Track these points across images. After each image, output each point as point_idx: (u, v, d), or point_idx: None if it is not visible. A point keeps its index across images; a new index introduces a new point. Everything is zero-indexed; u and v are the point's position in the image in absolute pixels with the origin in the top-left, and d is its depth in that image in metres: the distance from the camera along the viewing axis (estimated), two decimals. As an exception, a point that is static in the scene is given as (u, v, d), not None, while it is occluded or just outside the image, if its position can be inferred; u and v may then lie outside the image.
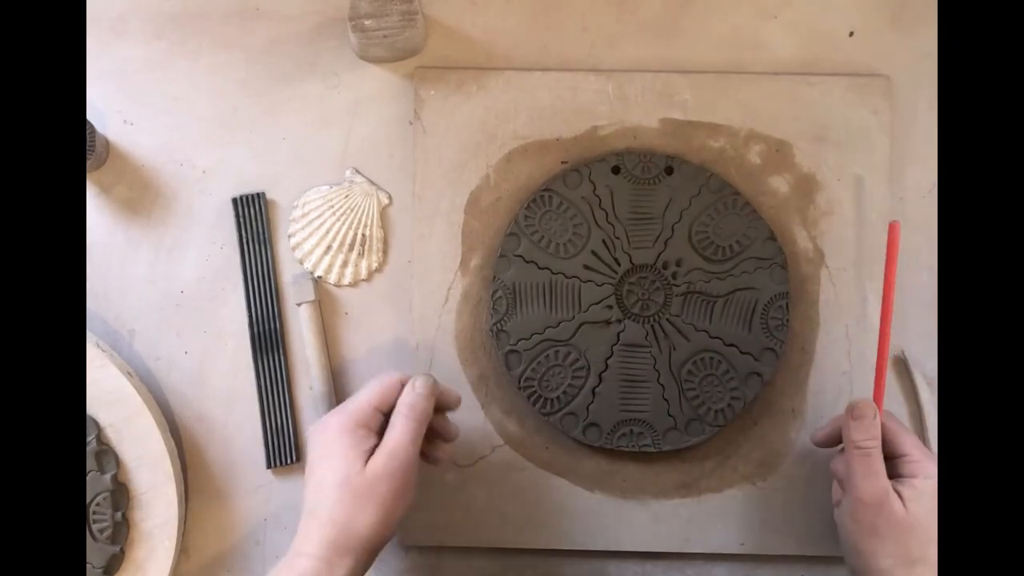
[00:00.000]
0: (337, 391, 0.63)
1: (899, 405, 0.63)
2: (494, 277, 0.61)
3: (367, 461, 0.53)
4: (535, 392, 0.61)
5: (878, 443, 0.54)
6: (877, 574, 0.52)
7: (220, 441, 0.63)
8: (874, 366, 0.62)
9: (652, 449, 0.61)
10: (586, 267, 0.61)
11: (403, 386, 0.55)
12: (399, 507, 0.53)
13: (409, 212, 0.64)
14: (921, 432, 0.63)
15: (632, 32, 0.65)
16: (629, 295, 0.61)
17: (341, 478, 0.52)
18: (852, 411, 0.55)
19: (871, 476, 0.53)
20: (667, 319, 0.61)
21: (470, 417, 0.62)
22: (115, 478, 0.59)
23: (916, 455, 0.54)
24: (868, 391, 0.61)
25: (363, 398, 0.55)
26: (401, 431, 0.54)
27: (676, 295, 0.61)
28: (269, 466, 0.63)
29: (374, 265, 0.64)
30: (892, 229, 0.58)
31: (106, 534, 0.58)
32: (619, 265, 0.61)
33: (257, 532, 0.63)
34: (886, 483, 0.53)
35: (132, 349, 0.63)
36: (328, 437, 0.54)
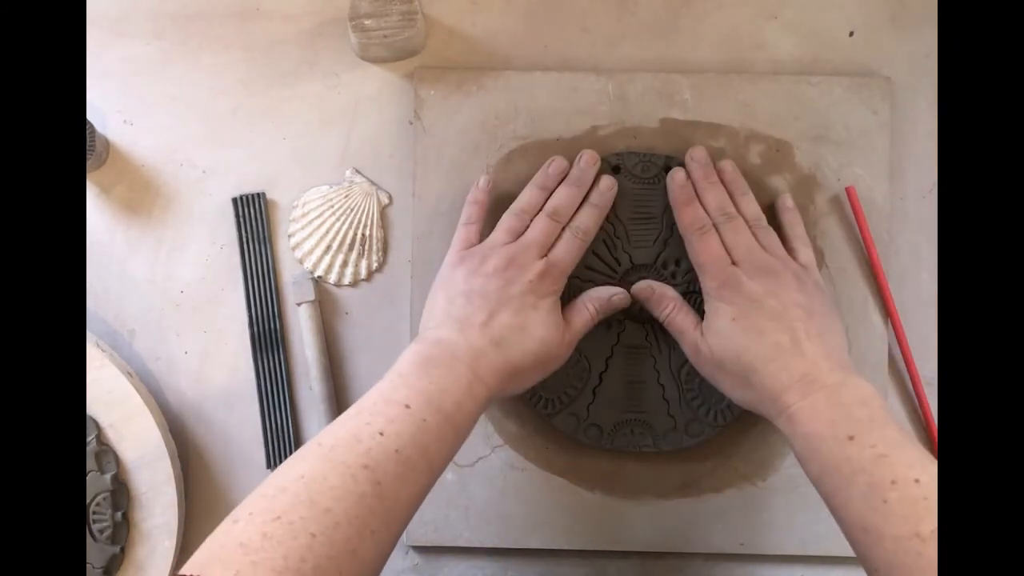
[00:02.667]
0: (337, 391, 0.63)
1: (899, 406, 0.63)
2: (494, 277, 0.61)
3: (563, 332, 0.57)
4: (535, 392, 0.61)
5: (673, 308, 0.58)
6: (752, 407, 0.55)
7: (220, 441, 0.63)
8: (874, 365, 0.62)
9: (652, 449, 0.61)
10: (586, 267, 0.61)
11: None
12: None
13: (409, 212, 0.64)
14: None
15: (632, 32, 0.65)
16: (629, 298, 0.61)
17: (545, 338, 0.55)
18: (640, 297, 0.60)
19: (681, 337, 0.58)
20: (667, 319, 0.61)
21: (470, 417, 0.62)
22: (115, 478, 0.59)
23: (699, 281, 0.58)
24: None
25: (566, 263, 0.58)
26: (585, 326, 0.58)
27: (676, 295, 0.61)
28: (269, 466, 0.63)
29: (374, 265, 0.64)
30: (850, 193, 0.62)
31: (106, 534, 0.58)
32: (619, 265, 0.61)
33: (257, 532, 0.63)
34: (693, 335, 0.57)
35: (132, 349, 0.63)
36: (542, 294, 0.56)
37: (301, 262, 0.64)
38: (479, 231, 0.59)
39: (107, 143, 0.64)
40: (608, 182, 0.60)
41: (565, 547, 0.62)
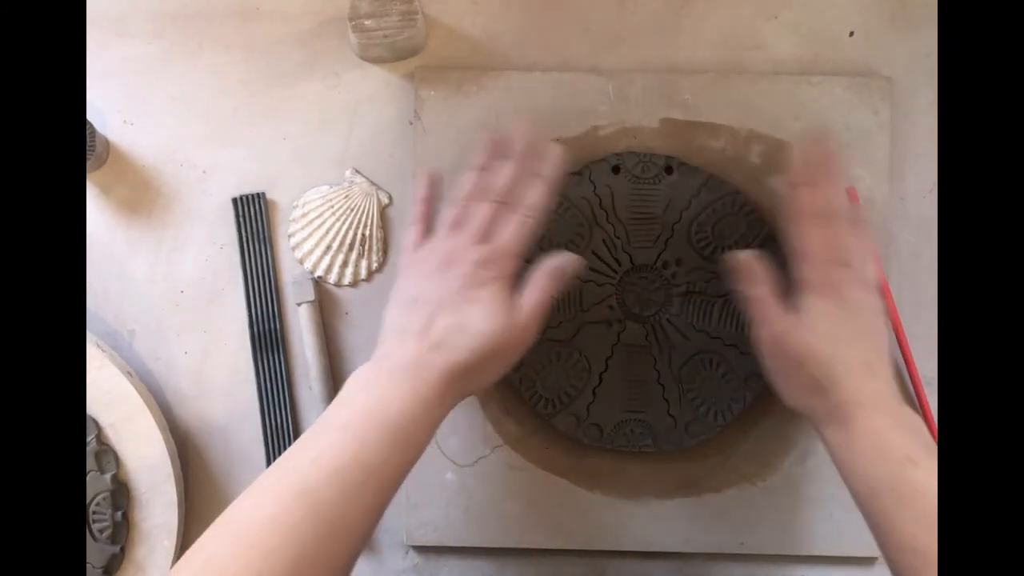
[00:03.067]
0: (337, 391, 0.63)
1: (899, 405, 0.63)
2: (494, 277, 0.61)
3: (513, 318, 0.53)
4: (535, 392, 0.61)
5: (765, 289, 0.54)
6: (807, 409, 0.53)
7: (220, 441, 0.63)
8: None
9: (652, 449, 0.61)
10: (586, 267, 0.61)
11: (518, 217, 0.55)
12: (509, 370, 0.54)
13: (409, 212, 0.63)
14: None
15: (632, 32, 0.65)
16: (629, 295, 0.61)
17: (489, 329, 0.51)
18: (731, 268, 0.56)
19: (764, 323, 0.54)
20: (667, 319, 0.61)
21: (470, 417, 0.62)
22: (115, 478, 0.59)
23: (796, 269, 0.54)
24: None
25: (512, 246, 0.54)
26: (542, 305, 0.54)
27: (676, 295, 0.61)
28: (269, 466, 0.63)
29: (374, 265, 0.64)
30: (850, 193, 0.61)
31: (106, 534, 0.58)
32: (619, 265, 0.61)
33: (257, 532, 0.63)
34: (779, 325, 0.53)
35: (132, 349, 0.63)
36: (481, 283, 0.52)
37: (301, 262, 0.64)
38: (426, 228, 0.56)
39: (107, 143, 0.64)
40: (555, 149, 0.56)
41: (565, 547, 0.62)
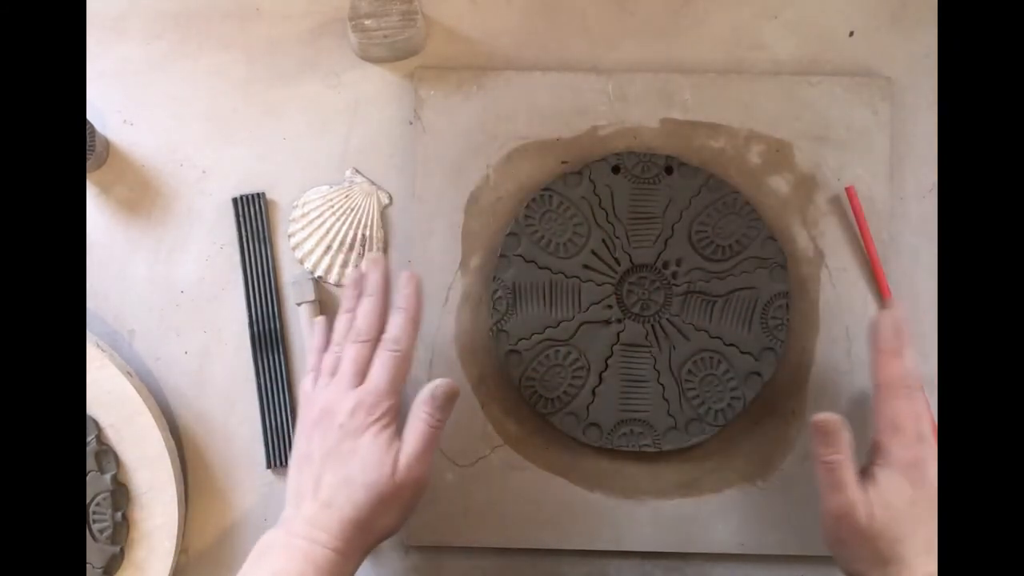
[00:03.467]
0: (337, 391, 0.63)
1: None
2: (494, 277, 0.61)
3: (394, 464, 0.52)
4: (535, 392, 0.61)
5: (842, 457, 0.52)
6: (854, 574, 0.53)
7: (220, 441, 0.63)
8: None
9: (652, 449, 0.61)
10: (586, 267, 0.61)
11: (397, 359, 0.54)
12: (416, 506, 0.54)
13: (409, 212, 0.64)
14: None
15: (632, 32, 0.65)
16: (629, 295, 0.61)
17: (372, 481, 0.52)
18: (815, 426, 0.53)
19: (835, 490, 0.52)
20: (667, 319, 0.61)
21: (470, 417, 0.62)
22: (115, 478, 0.59)
23: (881, 438, 0.53)
24: (867, 390, 0.62)
25: (381, 385, 0.53)
26: (426, 438, 0.53)
27: (676, 295, 0.61)
28: (269, 466, 0.63)
29: (374, 265, 0.64)
30: (850, 193, 0.61)
31: (106, 534, 0.58)
32: (619, 265, 0.61)
33: (257, 532, 0.63)
34: (851, 496, 0.51)
35: (132, 349, 0.63)
36: (357, 432, 0.52)
37: (301, 262, 0.64)
38: (315, 378, 0.56)
39: (107, 143, 0.64)
40: (406, 278, 0.55)
41: (565, 547, 0.62)
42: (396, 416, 0.54)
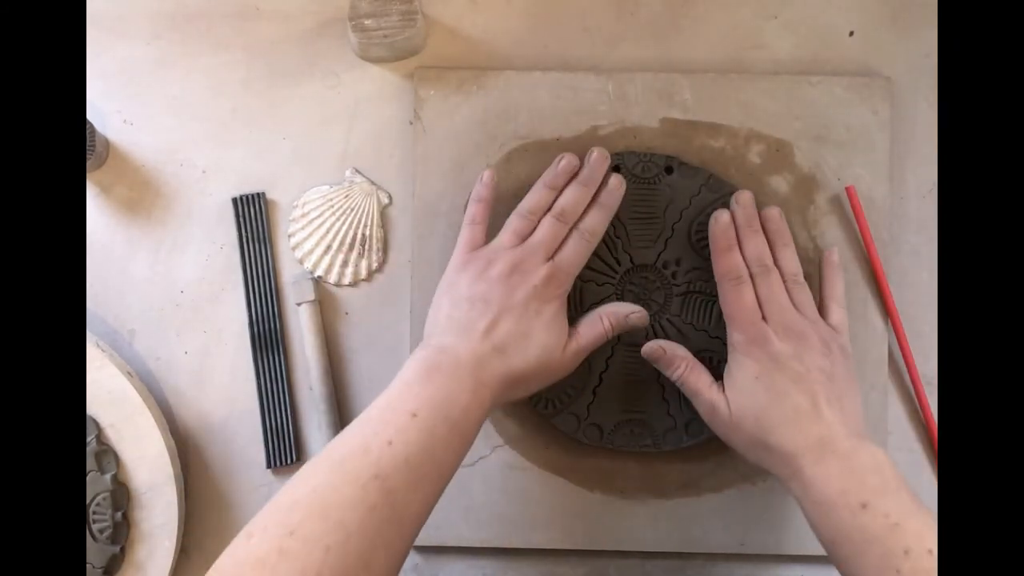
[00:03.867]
0: (337, 391, 0.63)
1: (899, 406, 0.63)
2: (494, 277, 0.61)
3: (567, 343, 0.56)
4: (535, 392, 0.61)
5: (683, 370, 0.57)
6: (766, 468, 0.54)
7: (220, 441, 0.63)
8: (874, 364, 0.62)
9: (652, 449, 0.61)
10: (586, 267, 0.61)
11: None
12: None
13: (409, 212, 0.64)
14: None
15: (632, 32, 0.65)
16: (629, 295, 0.61)
17: (548, 346, 0.55)
18: (647, 358, 0.59)
19: (695, 396, 0.57)
20: (667, 319, 0.61)
21: (470, 417, 0.62)
22: (115, 478, 0.59)
23: (727, 331, 0.57)
24: (867, 390, 0.62)
25: (573, 266, 0.57)
26: (598, 340, 0.57)
27: (676, 295, 0.61)
28: (269, 466, 0.63)
29: (374, 265, 0.64)
30: (850, 192, 0.62)
31: (106, 534, 0.58)
32: (619, 265, 0.61)
33: (257, 532, 0.63)
34: (708, 396, 0.56)
35: (132, 349, 0.63)
36: (546, 299, 0.55)
37: (301, 262, 0.64)
38: (485, 231, 0.58)
39: (107, 143, 0.64)
40: (616, 180, 0.59)
41: (565, 547, 0.62)
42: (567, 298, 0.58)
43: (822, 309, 0.59)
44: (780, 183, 0.63)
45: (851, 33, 0.65)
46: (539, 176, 0.62)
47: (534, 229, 0.57)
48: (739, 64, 0.64)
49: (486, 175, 0.59)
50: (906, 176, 0.64)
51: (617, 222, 0.61)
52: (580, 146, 0.62)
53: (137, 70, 0.64)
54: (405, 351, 0.63)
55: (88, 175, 0.64)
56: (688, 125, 0.63)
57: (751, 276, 0.57)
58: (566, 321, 0.57)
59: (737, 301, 0.56)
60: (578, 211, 0.58)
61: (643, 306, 0.61)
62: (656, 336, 0.61)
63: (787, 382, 0.53)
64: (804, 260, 0.62)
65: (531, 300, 0.55)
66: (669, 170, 0.62)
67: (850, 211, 0.62)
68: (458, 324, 0.54)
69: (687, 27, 0.65)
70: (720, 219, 0.58)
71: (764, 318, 0.56)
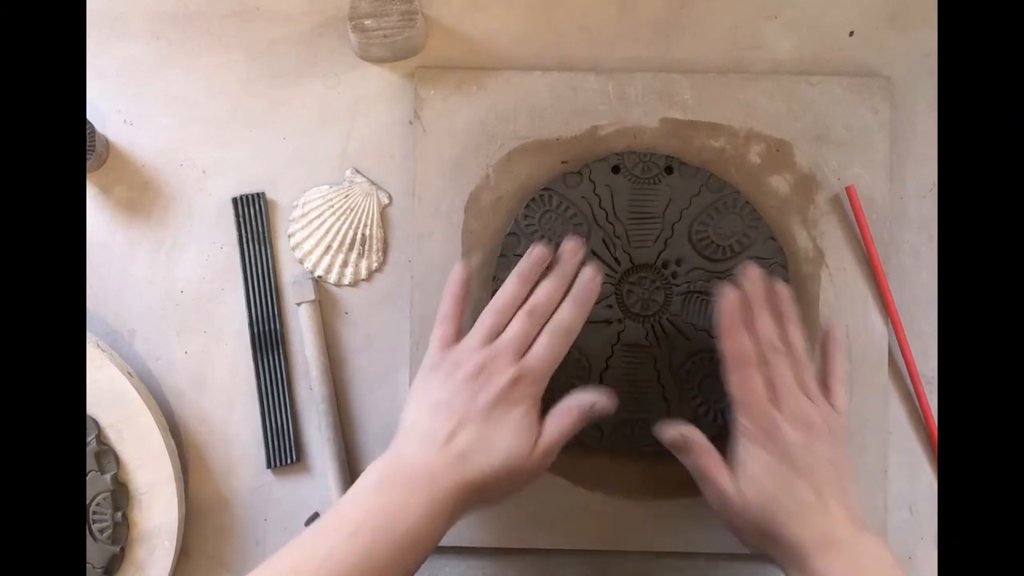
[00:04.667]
0: (337, 391, 0.63)
1: (899, 406, 0.63)
2: (494, 277, 0.61)
3: (534, 446, 0.53)
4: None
5: (698, 458, 0.55)
6: (769, 556, 0.53)
7: (220, 441, 0.63)
8: (874, 364, 0.62)
9: (652, 449, 0.61)
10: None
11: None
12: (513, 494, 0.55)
13: (409, 212, 0.64)
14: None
15: (632, 32, 0.65)
16: (629, 295, 0.61)
17: (512, 452, 0.52)
18: (668, 445, 0.56)
19: (705, 485, 0.55)
20: (667, 319, 0.61)
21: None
22: (115, 478, 0.59)
23: (736, 415, 0.55)
24: (867, 390, 0.62)
25: (545, 365, 0.54)
26: (566, 435, 0.55)
27: (676, 295, 0.61)
28: (269, 466, 0.63)
29: (374, 265, 0.64)
30: (850, 192, 0.61)
31: (106, 534, 0.58)
32: (619, 264, 0.61)
33: (257, 532, 0.63)
34: (720, 485, 0.54)
35: (132, 349, 0.63)
36: (512, 403, 0.53)
37: (301, 262, 0.64)
38: (457, 327, 0.57)
39: (107, 143, 0.64)
40: (591, 271, 0.56)
41: (565, 547, 0.62)
42: (540, 399, 0.55)
43: (824, 387, 0.56)
44: (780, 183, 0.63)
45: (851, 33, 0.65)
46: (539, 176, 0.63)
47: (507, 325, 0.56)
48: (739, 64, 0.64)
49: (457, 272, 0.57)
50: (906, 176, 0.64)
51: (617, 222, 0.61)
52: (580, 146, 0.62)
53: (137, 70, 0.64)
54: (405, 351, 0.63)
55: (88, 175, 0.64)
56: (688, 125, 0.63)
57: (761, 356, 0.55)
58: (536, 422, 0.54)
59: (746, 385, 0.54)
60: (551, 306, 0.56)
61: (643, 306, 0.61)
62: (656, 336, 0.61)
63: (796, 474, 0.52)
64: (804, 260, 0.62)
65: (496, 404, 0.53)
66: (669, 170, 0.62)
67: (850, 211, 0.62)
68: (421, 432, 0.53)
69: (687, 27, 0.65)
70: (728, 296, 0.56)
71: (772, 400, 0.54)
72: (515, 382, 0.53)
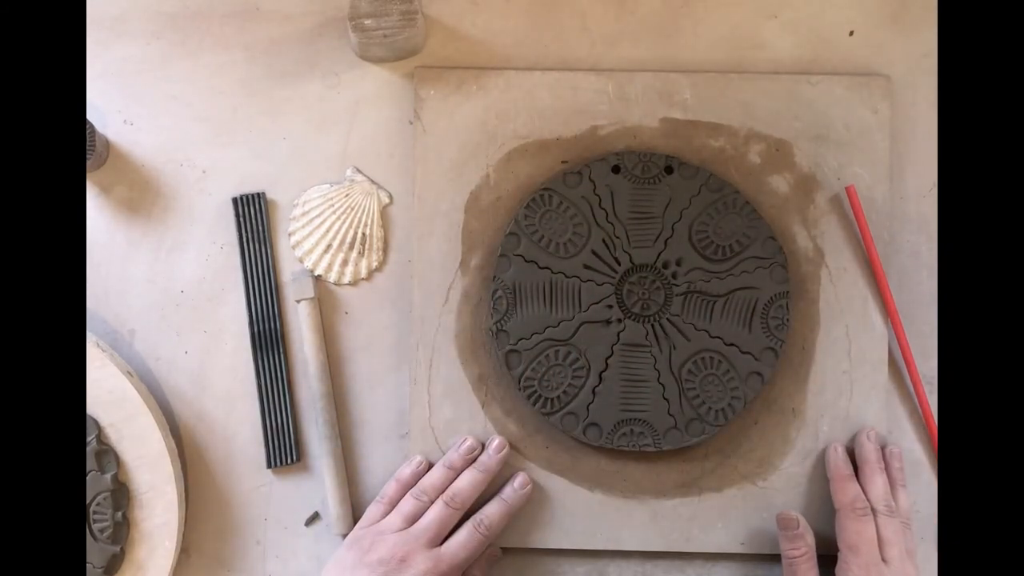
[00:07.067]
0: (336, 390, 0.63)
1: (899, 405, 0.63)
2: (494, 277, 0.61)
3: None
4: (535, 392, 0.61)
5: (806, 553, 0.57)
6: None
7: (220, 441, 0.63)
8: (874, 364, 0.62)
9: (652, 449, 0.61)
10: (586, 266, 0.61)
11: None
12: None
13: (409, 212, 0.64)
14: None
15: (632, 32, 0.65)
16: (629, 295, 0.61)
17: None
18: (780, 520, 0.59)
19: None
20: (667, 319, 0.61)
21: (470, 417, 0.62)
22: (115, 478, 0.59)
23: (842, 553, 0.57)
24: (868, 390, 0.62)
25: (459, 559, 0.56)
26: (471, 555, 0.57)
27: (676, 295, 0.61)
28: (269, 466, 0.63)
29: (374, 264, 0.64)
30: (850, 192, 0.61)
31: (106, 534, 0.58)
32: (619, 264, 0.61)
33: (257, 532, 0.63)
34: None
35: (132, 349, 0.63)
36: None
37: (301, 261, 0.64)
38: (387, 511, 0.59)
39: (107, 143, 0.64)
40: (522, 480, 0.60)
41: (565, 547, 0.62)
42: None
43: (893, 495, 0.59)
44: (780, 183, 0.63)
45: (851, 33, 0.65)
46: (539, 176, 0.63)
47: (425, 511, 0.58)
48: (739, 64, 0.64)
49: (413, 464, 0.60)
50: (906, 176, 0.64)
51: (616, 222, 0.61)
52: (580, 146, 0.62)
53: (137, 70, 0.64)
54: (405, 351, 0.63)
55: (88, 175, 0.64)
56: (688, 125, 0.63)
57: (873, 512, 0.58)
58: None
59: (861, 534, 0.57)
60: (470, 497, 0.58)
61: (643, 306, 0.61)
62: (656, 336, 0.61)
63: None
64: (804, 260, 0.62)
65: None
66: (669, 170, 0.62)
67: (850, 211, 0.62)
68: None
69: (687, 27, 0.65)
70: (838, 450, 0.60)
71: (883, 558, 0.56)
72: (428, 573, 0.55)
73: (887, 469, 0.60)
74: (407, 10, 0.61)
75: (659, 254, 0.61)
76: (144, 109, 0.64)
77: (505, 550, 0.62)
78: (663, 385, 0.61)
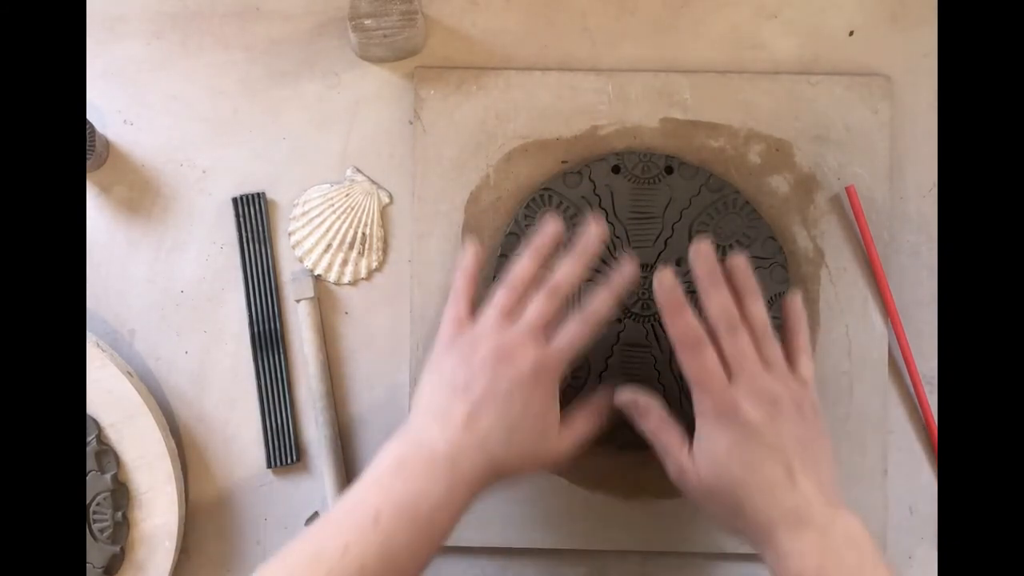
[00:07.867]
0: (336, 390, 0.63)
1: (899, 405, 0.63)
2: (494, 277, 0.61)
3: (558, 435, 0.53)
4: (535, 392, 0.61)
5: (655, 425, 0.54)
6: (738, 535, 0.53)
7: (220, 441, 0.63)
8: (874, 364, 0.62)
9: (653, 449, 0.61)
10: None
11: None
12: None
13: (409, 212, 0.64)
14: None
15: (632, 32, 0.65)
16: (629, 295, 0.61)
17: (533, 439, 0.52)
18: (622, 405, 0.56)
19: (665, 456, 0.54)
20: (667, 319, 0.61)
21: (470, 417, 0.62)
22: (115, 478, 0.59)
23: (692, 394, 0.53)
24: (868, 390, 0.62)
25: (569, 351, 0.53)
26: (592, 429, 0.55)
27: (676, 295, 0.61)
28: (269, 466, 0.63)
29: (374, 264, 0.64)
30: (850, 192, 0.61)
31: (106, 534, 0.58)
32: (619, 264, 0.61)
33: (257, 532, 0.63)
34: (678, 459, 0.53)
35: (132, 349, 0.63)
36: (535, 388, 0.52)
37: (301, 261, 0.64)
38: (470, 305, 0.55)
39: (107, 143, 0.64)
40: (631, 267, 0.55)
41: (565, 547, 0.62)
42: (559, 383, 0.53)
43: (789, 360, 0.54)
44: (780, 183, 0.63)
45: (851, 33, 0.65)
46: (539, 176, 0.63)
47: (525, 303, 0.54)
48: (739, 64, 0.64)
49: (469, 249, 0.56)
50: (906, 176, 0.64)
51: (617, 222, 0.61)
52: (580, 146, 0.62)
53: (137, 70, 0.64)
54: (405, 351, 0.63)
55: (88, 175, 0.64)
56: (688, 125, 0.63)
57: (717, 333, 0.53)
58: (557, 408, 0.53)
59: (700, 367, 0.52)
60: (573, 286, 0.54)
61: (643, 306, 0.61)
62: (656, 336, 0.61)
63: (761, 453, 0.50)
64: (804, 260, 0.62)
65: (517, 389, 0.51)
66: (669, 170, 0.62)
67: (850, 211, 0.62)
68: (438, 413, 0.51)
69: (687, 27, 0.65)
70: (664, 281, 0.53)
71: (731, 379, 0.52)
72: (538, 366, 0.52)
73: (731, 283, 0.54)
74: (407, 10, 0.61)
75: (659, 254, 0.61)
76: (144, 109, 0.64)
77: (505, 550, 0.62)
78: (663, 385, 0.61)
